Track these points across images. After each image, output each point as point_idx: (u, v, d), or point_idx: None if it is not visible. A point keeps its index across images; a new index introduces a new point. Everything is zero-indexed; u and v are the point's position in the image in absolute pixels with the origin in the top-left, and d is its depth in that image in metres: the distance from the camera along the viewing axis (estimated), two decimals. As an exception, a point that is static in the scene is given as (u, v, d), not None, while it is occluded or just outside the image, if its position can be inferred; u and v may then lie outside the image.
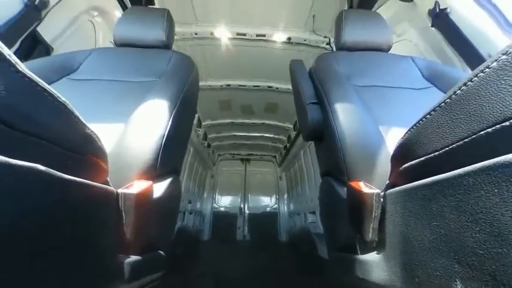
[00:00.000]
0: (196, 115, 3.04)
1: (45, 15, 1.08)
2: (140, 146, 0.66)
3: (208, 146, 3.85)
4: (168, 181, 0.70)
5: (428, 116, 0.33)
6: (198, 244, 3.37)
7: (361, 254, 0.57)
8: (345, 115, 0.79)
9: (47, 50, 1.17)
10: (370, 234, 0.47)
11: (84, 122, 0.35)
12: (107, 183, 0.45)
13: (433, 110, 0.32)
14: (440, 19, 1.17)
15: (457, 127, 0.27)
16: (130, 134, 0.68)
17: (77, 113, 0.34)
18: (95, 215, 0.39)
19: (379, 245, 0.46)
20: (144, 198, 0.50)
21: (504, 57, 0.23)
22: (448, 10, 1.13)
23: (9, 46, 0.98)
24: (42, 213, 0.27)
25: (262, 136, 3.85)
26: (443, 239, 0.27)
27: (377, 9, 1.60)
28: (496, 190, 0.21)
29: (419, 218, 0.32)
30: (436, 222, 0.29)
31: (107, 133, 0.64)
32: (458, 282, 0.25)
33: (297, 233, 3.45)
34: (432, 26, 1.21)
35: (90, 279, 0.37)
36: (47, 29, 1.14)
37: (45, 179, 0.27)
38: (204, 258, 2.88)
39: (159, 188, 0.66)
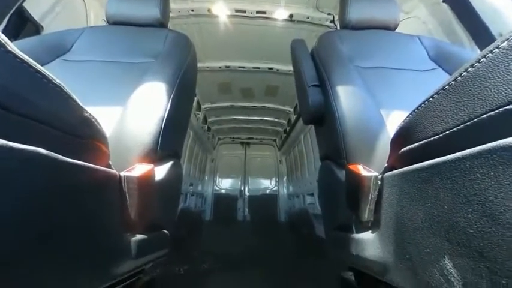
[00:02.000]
0: (196, 98, 2.99)
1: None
2: (140, 129, 0.66)
3: (208, 129, 3.84)
4: (169, 164, 0.71)
5: (431, 99, 0.32)
6: (200, 224, 3.51)
7: (357, 233, 0.59)
8: (347, 98, 0.78)
9: (36, 28, 1.12)
10: (366, 215, 0.49)
11: (81, 105, 0.35)
12: (109, 166, 0.45)
13: (436, 93, 0.31)
14: (453, -6, 1.10)
15: (459, 110, 0.27)
16: (130, 118, 0.67)
17: (74, 96, 0.33)
18: (99, 197, 0.39)
19: (374, 225, 0.48)
20: (146, 181, 0.51)
21: None
22: (462, -17, 1.06)
23: (-4, 24, 0.94)
24: (47, 195, 0.27)
25: (262, 120, 3.82)
26: (436, 219, 0.28)
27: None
28: (492, 173, 0.22)
29: (414, 200, 0.33)
30: (430, 204, 0.29)
31: (105, 116, 0.63)
32: (446, 259, 0.27)
33: (296, 214, 3.58)
34: (444, 2, 1.15)
35: (99, 256, 0.39)
36: (34, 6, 1.08)
37: (47, 162, 0.27)
38: (206, 237, 3.02)
39: (161, 172, 0.67)
